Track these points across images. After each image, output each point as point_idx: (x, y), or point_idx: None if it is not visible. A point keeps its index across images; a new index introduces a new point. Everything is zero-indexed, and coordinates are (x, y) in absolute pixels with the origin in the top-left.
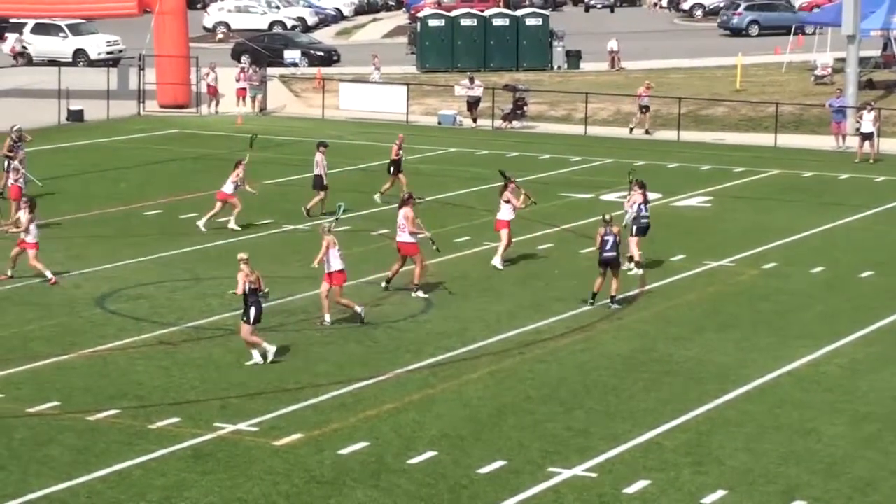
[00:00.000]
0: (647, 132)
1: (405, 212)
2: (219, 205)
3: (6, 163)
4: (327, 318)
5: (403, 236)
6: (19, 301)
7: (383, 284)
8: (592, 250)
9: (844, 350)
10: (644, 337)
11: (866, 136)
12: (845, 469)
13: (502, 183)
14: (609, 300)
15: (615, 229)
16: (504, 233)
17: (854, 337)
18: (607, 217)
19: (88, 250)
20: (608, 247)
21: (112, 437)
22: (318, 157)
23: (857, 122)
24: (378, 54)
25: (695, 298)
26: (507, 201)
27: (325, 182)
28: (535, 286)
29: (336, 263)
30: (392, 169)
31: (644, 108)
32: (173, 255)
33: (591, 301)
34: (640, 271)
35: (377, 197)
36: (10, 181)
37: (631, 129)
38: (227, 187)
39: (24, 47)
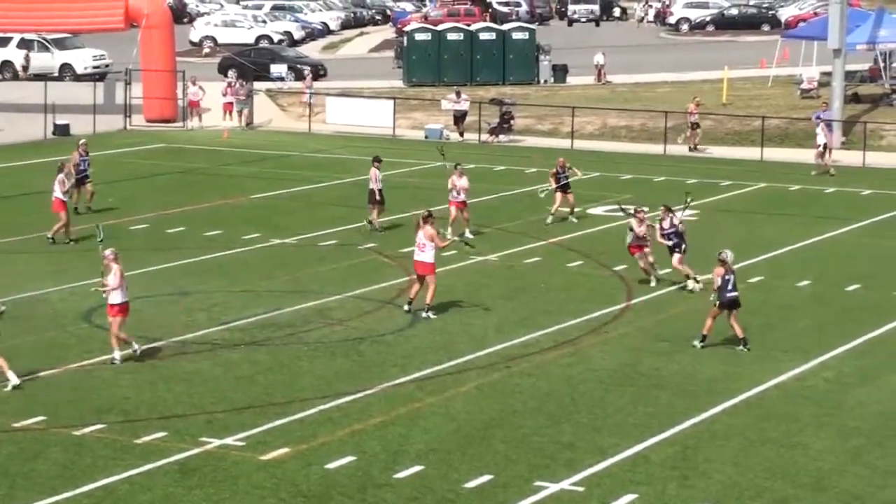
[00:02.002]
0: (694, 148)
1: (426, 231)
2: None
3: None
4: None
5: (423, 256)
6: (5, 315)
7: (405, 308)
8: (580, 264)
9: (831, 363)
10: (631, 350)
11: (824, 148)
12: (832, 483)
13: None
14: (741, 344)
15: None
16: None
17: (841, 350)
18: (724, 256)
19: (75, 264)
20: (730, 287)
21: (98, 452)
22: (373, 171)
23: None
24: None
25: (681, 312)
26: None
27: (378, 196)
28: (521, 300)
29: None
30: (558, 188)
31: (694, 126)
32: (160, 270)
33: (702, 344)
34: (700, 285)
35: (549, 219)
36: (59, 193)
37: (691, 147)
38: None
39: (25, 61)
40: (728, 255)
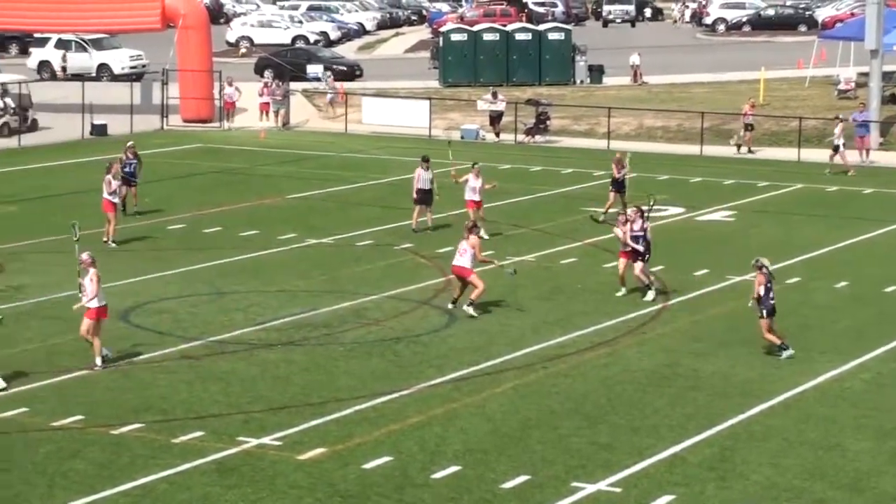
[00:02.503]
0: (749, 151)
1: (472, 241)
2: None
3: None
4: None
5: (460, 261)
6: (43, 315)
7: (449, 305)
8: (616, 265)
9: (870, 364)
10: (668, 351)
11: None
12: (871, 484)
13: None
14: (781, 350)
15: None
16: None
17: (879, 351)
18: (763, 262)
19: (112, 264)
20: (772, 294)
21: (136, 451)
22: (419, 171)
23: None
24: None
25: (719, 313)
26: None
27: (425, 196)
28: (558, 301)
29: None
30: (614, 187)
31: (748, 127)
32: (196, 270)
33: (788, 352)
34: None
35: (601, 217)
36: (107, 194)
37: (738, 147)
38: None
39: (63, 61)
40: (766, 262)
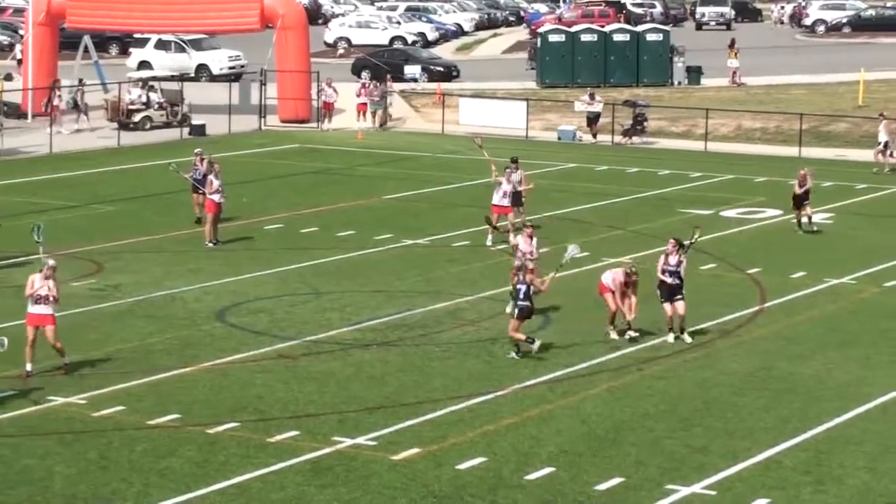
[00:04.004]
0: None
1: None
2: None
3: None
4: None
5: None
6: (141, 314)
7: (609, 331)
8: (712, 267)
9: None
10: (764, 354)
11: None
12: None
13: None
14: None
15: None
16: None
17: None
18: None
19: (209, 264)
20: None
21: (231, 450)
22: (507, 173)
23: None
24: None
25: (816, 316)
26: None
27: (513, 197)
28: (653, 302)
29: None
30: (796, 202)
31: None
32: (293, 270)
33: None
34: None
35: (800, 231)
36: (209, 194)
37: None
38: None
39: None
40: (573, 251)
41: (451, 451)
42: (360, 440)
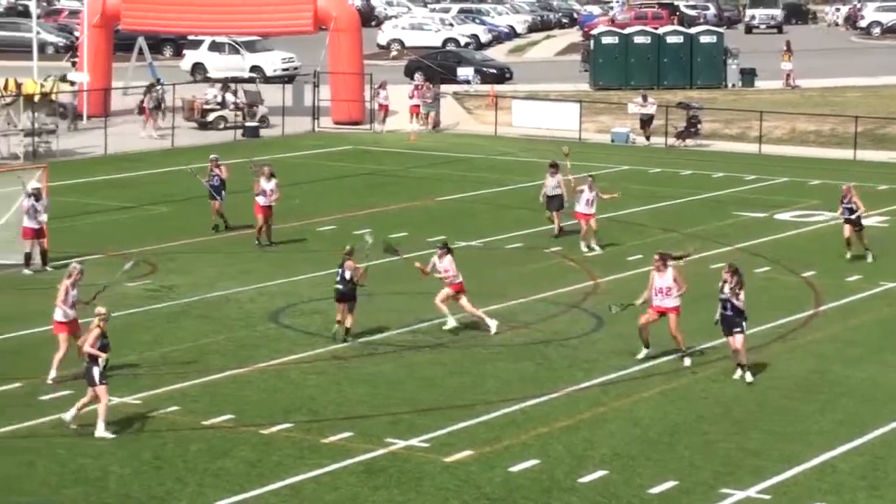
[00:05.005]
0: None
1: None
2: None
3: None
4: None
5: (667, 301)
6: (196, 315)
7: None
8: (767, 270)
9: None
10: (819, 358)
11: None
12: None
13: None
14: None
15: None
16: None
17: None
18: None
19: (263, 265)
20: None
21: (285, 451)
22: (547, 177)
23: None
24: None
25: (871, 319)
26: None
27: (551, 201)
28: (706, 305)
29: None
30: (846, 222)
31: None
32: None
33: None
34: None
35: (869, 258)
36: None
37: None
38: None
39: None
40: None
41: (503, 453)
42: (413, 442)
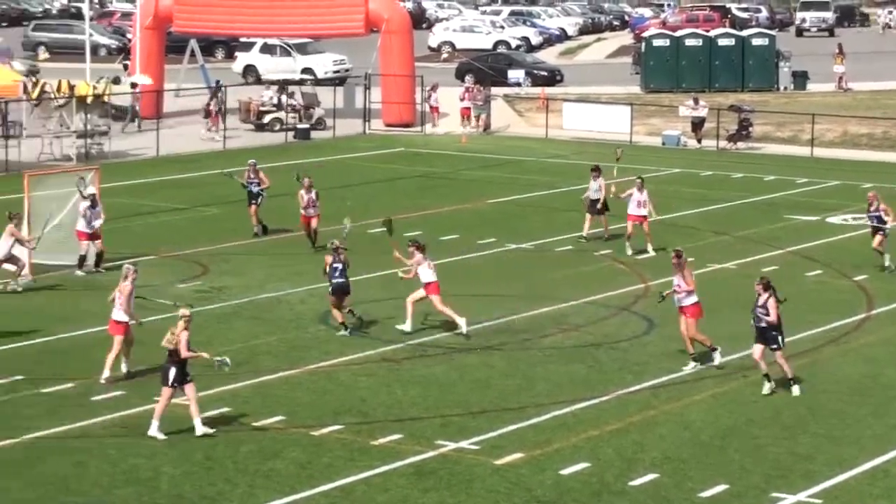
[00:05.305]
0: None
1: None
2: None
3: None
4: None
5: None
6: (247, 316)
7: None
8: (819, 273)
9: None
10: (871, 361)
11: None
12: None
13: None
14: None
15: None
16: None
17: None
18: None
19: (313, 267)
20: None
21: (336, 453)
22: (591, 181)
23: None
24: None
25: None
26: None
27: (591, 205)
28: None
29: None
30: (872, 230)
31: None
32: (396, 273)
33: None
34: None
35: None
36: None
37: None
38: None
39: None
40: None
41: (554, 456)
42: (464, 444)
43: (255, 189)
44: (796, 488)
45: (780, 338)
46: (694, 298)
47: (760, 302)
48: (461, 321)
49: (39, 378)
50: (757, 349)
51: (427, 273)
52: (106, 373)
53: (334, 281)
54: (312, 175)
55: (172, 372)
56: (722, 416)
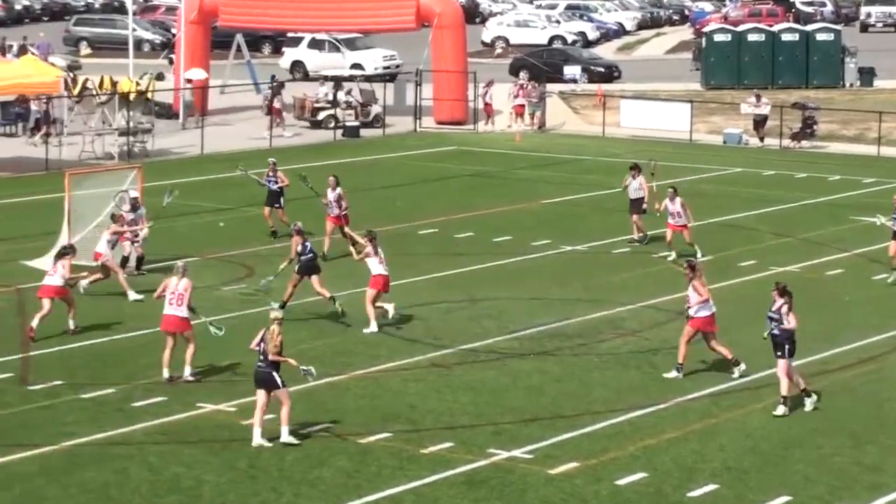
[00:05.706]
0: None
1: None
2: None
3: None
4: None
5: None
6: (293, 320)
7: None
8: (885, 276)
9: None
10: None
11: None
12: None
13: None
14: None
15: None
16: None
17: None
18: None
19: (360, 269)
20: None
21: (384, 461)
22: (629, 178)
23: None
24: None
25: None
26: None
27: (632, 205)
28: (822, 314)
29: None
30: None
31: None
32: (448, 276)
33: None
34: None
35: (889, 279)
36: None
37: None
38: None
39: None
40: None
41: (610, 465)
42: (517, 453)
43: (273, 187)
44: (861, 500)
45: (787, 346)
46: (708, 311)
47: (774, 307)
48: (389, 306)
49: (79, 383)
50: (780, 364)
51: (376, 266)
52: (165, 372)
53: (303, 258)
54: (339, 175)
55: (276, 376)
56: (784, 425)
